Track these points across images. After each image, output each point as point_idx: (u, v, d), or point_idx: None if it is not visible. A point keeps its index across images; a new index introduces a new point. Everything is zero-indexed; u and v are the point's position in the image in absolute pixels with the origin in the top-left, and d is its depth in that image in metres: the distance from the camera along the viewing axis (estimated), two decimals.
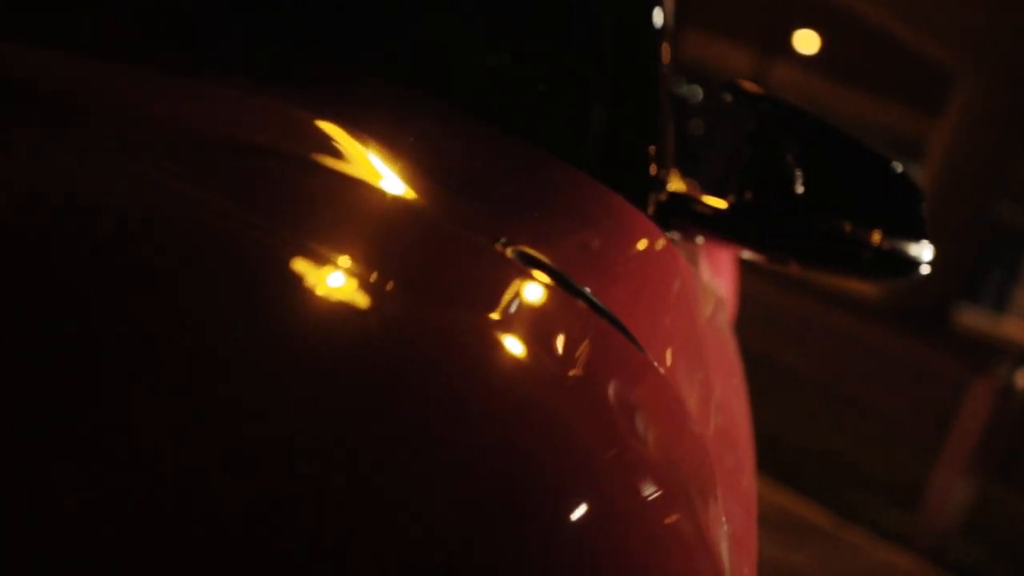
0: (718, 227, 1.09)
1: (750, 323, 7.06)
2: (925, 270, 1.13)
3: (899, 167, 1.15)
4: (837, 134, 1.13)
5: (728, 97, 1.16)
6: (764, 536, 3.68)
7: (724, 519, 0.79)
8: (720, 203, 1.08)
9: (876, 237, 1.08)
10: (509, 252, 0.73)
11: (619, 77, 1.10)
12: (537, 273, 0.73)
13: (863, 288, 12.97)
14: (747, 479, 1.13)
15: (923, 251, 1.13)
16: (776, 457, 5.34)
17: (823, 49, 17.55)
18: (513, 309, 0.66)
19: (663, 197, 1.09)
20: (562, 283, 0.75)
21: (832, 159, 1.12)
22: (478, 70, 1.09)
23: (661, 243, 1.03)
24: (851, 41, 16.80)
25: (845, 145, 1.13)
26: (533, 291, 0.72)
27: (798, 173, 1.07)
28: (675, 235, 1.10)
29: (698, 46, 16.78)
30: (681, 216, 1.10)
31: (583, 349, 0.69)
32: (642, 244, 1.00)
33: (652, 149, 1.09)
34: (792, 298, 9.49)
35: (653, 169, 1.09)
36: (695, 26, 15.47)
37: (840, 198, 1.09)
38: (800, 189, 1.07)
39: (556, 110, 1.10)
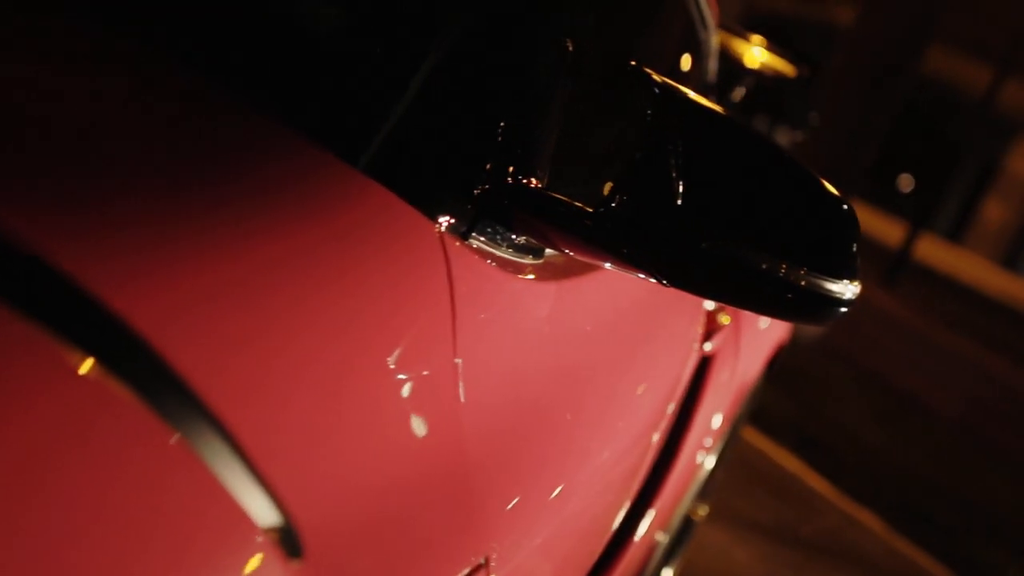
0: (577, 233, 0.94)
1: (897, 359, 6.80)
2: (841, 311, 0.97)
3: (831, 189, 0.98)
4: (752, 141, 0.98)
5: (635, 87, 1.00)
6: None
7: None
8: (581, 205, 0.94)
9: (770, 266, 0.92)
10: None
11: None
12: None
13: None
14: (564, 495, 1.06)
15: (844, 290, 0.96)
16: (904, 500, 5.23)
17: None
18: None
19: (483, 191, 0.95)
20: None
21: (737, 171, 0.96)
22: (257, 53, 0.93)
23: (413, 240, 0.88)
24: None
25: (766, 161, 0.97)
26: None
27: (686, 181, 0.93)
28: (480, 238, 0.96)
29: (936, 61, 16.05)
30: (530, 217, 0.96)
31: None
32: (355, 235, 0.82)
33: (457, 141, 0.95)
34: (946, 335, 8.70)
35: (462, 164, 0.95)
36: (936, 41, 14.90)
37: (734, 215, 0.93)
38: (681, 199, 0.92)
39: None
